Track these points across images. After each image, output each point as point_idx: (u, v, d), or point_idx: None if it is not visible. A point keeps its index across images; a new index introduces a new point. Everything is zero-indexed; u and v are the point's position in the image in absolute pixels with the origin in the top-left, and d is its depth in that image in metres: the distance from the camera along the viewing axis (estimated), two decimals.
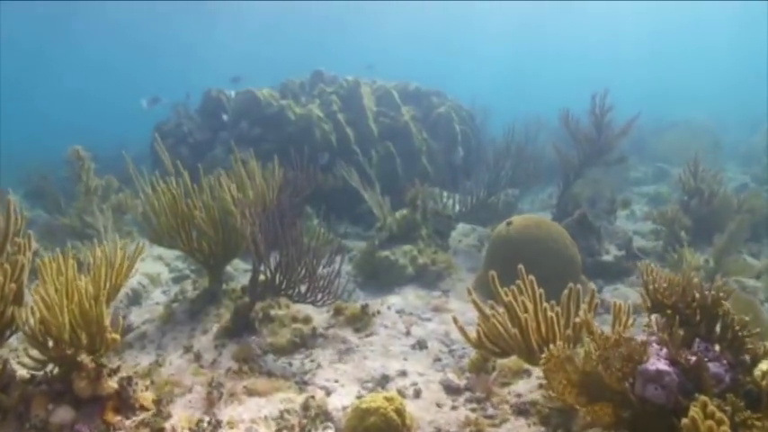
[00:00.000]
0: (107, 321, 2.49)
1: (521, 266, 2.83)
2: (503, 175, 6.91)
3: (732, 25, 38.42)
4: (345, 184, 7.97)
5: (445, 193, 6.98)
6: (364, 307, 4.07)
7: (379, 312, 4.22)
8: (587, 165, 7.24)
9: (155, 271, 6.29)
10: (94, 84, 44.43)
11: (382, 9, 36.40)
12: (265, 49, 41.87)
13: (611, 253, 5.81)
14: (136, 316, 4.89)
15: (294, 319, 4.07)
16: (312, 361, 3.66)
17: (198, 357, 3.63)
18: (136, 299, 5.64)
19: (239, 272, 6.32)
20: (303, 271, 3.74)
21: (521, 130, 7.28)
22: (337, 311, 4.10)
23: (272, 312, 4.10)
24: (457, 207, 7.26)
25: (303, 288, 3.83)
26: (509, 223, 5.06)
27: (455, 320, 2.86)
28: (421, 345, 3.86)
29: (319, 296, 3.72)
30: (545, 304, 2.58)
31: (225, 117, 9.02)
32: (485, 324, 2.67)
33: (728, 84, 36.61)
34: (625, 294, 5.04)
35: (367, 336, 3.91)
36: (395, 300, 5.02)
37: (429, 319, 4.43)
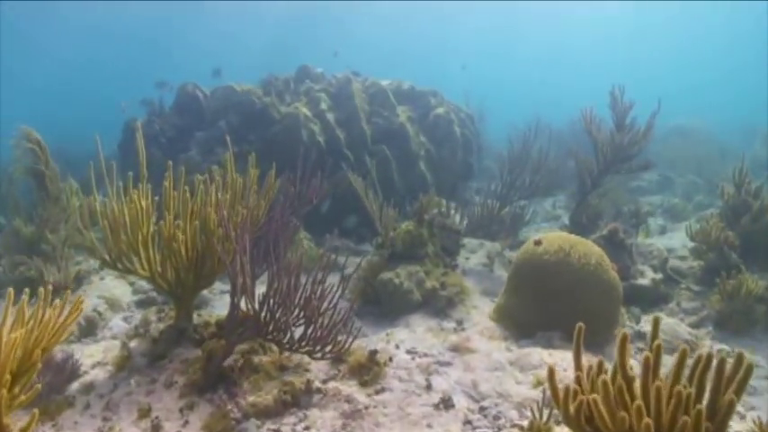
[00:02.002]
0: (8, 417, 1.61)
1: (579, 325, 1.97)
2: (518, 184, 6.12)
3: (716, 30, 38.61)
4: (332, 192, 7.13)
5: (453, 204, 6.17)
6: (372, 353, 3.23)
7: (390, 360, 3.37)
8: (607, 172, 6.51)
9: (115, 292, 5.36)
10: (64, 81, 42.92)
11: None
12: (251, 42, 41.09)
13: (646, 276, 5.07)
14: (86, 355, 3.97)
15: (283, 369, 3.21)
16: (307, 429, 2.80)
17: (157, 428, 2.74)
18: (90, 329, 4.71)
19: (216, 295, 5.43)
20: (299, 311, 2.89)
21: (539, 134, 6.50)
22: (338, 359, 3.25)
23: (256, 360, 3.24)
24: (459, 217, 6.48)
25: (300, 332, 2.98)
26: (538, 243, 4.27)
27: (551, 375, 1.97)
28: (446, 403, 3.03)
29: (318, 347, 2.86)
30: (682, 385, 1.72)
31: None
32: (604, 403, 1.80)
33: (713, 88, 36.74)
34: (672, 329, 4.28)
35: (378, 392, 3.06)
36: (403, 335, 4.19)
37: (449, 364, 3.60)
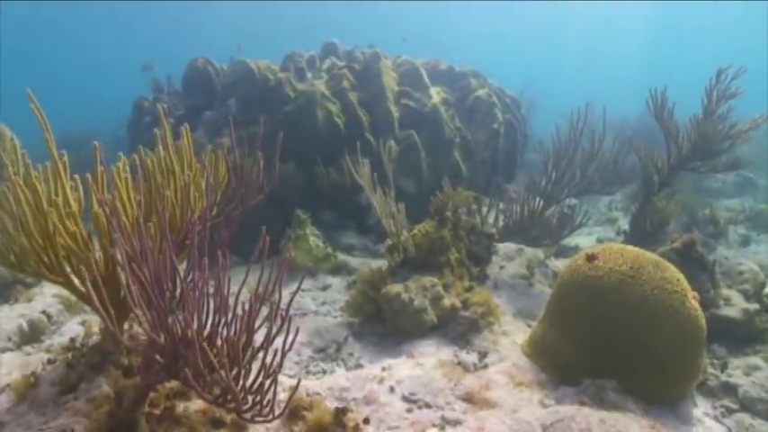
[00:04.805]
0: None
1: None
2: (567, 179, 4.99)
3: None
4: (353, 183, 6.18)
5: (487, 200, 5.11)
6: (340, 412, 2.25)
7: (366, 422, 2.39)
8: (682, 168, 5.29)
9: None
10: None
11: None
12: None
13: (734, 304, 3.88)
14: (4, 372, 3.19)
15: (216, 424, 2.29)
16: None
17: None
18: (34, 335, 3.94)
19: None
20: (217, 351, 1.95)
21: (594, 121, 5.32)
22: (294, 414, 2.30)
23: (181, 407, 2.33)
24: (494, 217, 5.40)
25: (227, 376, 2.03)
26: (591, 258, 3.17)
27: None
28: None
29: (249, 399, 1.91)
30: None
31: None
32: None
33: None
34: None
35: None
36: (404, 370, 3.19)
37: (457, 423, 2.59)
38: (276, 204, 6.01)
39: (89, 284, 1.76)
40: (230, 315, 1.96)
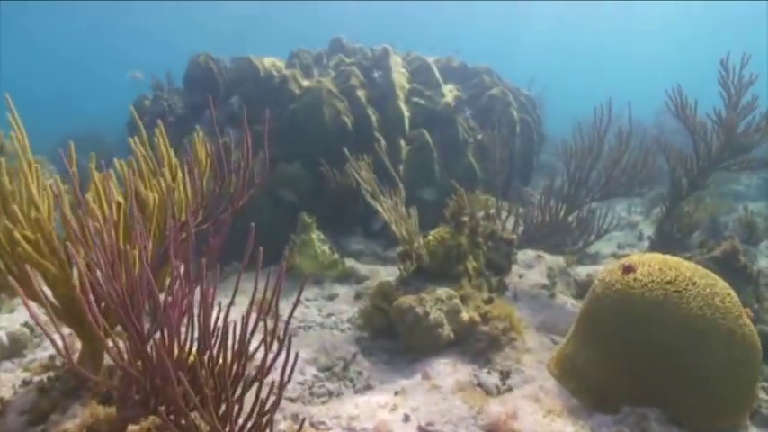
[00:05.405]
0: None
1: None
2: (590, 183, 4.64)
3: None
4: (360, 185, 5.86)
5: (505, 205, 4.77)
6: None
7: None
8: (713, 168, 4.94)
9: None
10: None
11: None
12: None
13: None
14: None
15: None
16: None
17: None
18: (15, 349, 3.62)
19: None
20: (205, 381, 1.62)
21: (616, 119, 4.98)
22: None
23: None
24: (513, 223, 5.06)
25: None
26: (629, 270, 2.83)
27: None
28: None
29: None
30: None
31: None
32: None
33: None
34: None
35: None
36: (419, 394, 2.85)
37: None
38: (280, 207, 5.70)
39: (29, 303, 1.44)
40: (216, 343, 1.64)
